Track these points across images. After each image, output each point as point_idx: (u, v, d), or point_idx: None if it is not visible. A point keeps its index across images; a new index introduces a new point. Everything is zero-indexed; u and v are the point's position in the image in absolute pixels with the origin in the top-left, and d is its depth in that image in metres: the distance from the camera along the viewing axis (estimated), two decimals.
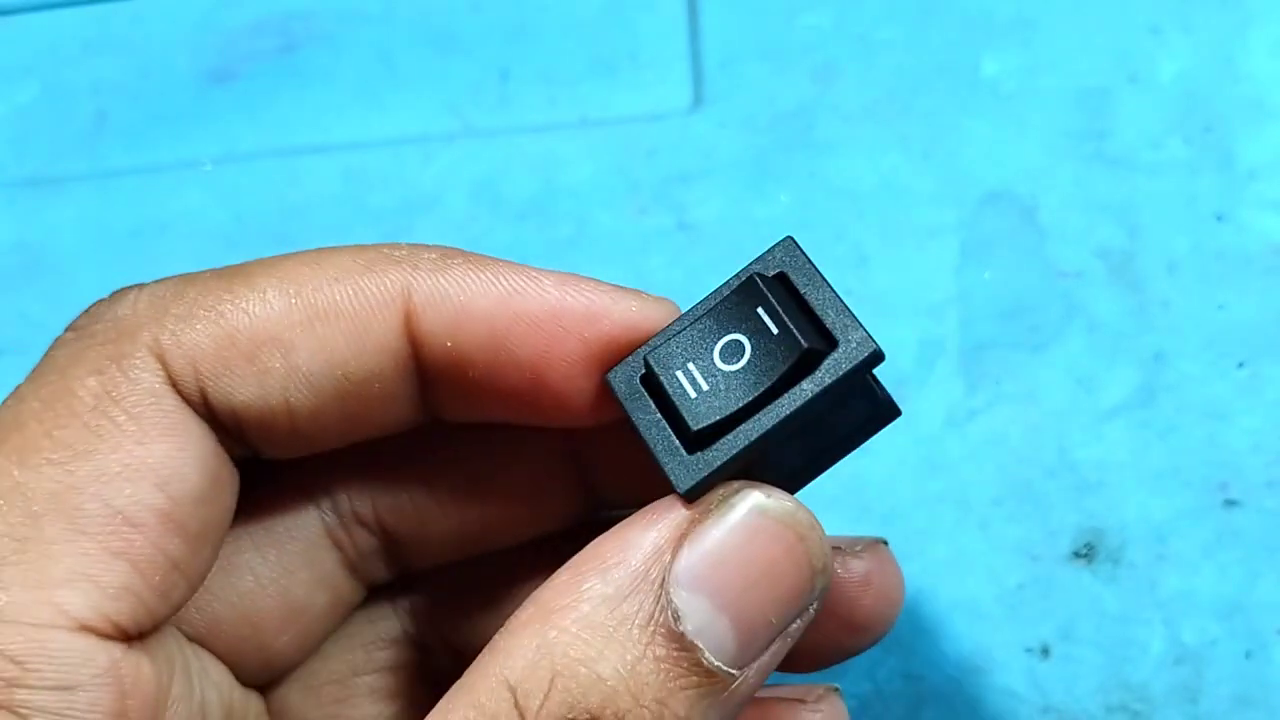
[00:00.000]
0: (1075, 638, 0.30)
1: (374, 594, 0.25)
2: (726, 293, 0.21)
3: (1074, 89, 0.35)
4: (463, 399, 0.21)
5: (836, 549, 0.23)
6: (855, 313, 0.20)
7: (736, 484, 0.19)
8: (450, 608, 0.25)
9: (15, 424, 0.19)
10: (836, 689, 0.25)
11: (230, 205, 0.38)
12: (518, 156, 0.37)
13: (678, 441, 0.20)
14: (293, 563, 0.23)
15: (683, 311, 0.21)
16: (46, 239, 0.39)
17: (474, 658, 0.25)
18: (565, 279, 0.21)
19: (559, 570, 0.19)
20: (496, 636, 0.19)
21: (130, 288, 0.21)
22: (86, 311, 0.21)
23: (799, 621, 0.20)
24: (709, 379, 0.20)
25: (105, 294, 0.39)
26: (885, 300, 0.34)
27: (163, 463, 0.19)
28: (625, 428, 0.20)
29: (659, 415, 0.20)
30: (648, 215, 0.36)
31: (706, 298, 0.21)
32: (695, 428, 0.19)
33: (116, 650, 0.19)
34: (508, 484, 0.24)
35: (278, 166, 0.39)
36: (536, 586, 0.24)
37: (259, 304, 0.20)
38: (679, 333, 0.20)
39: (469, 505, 0.24)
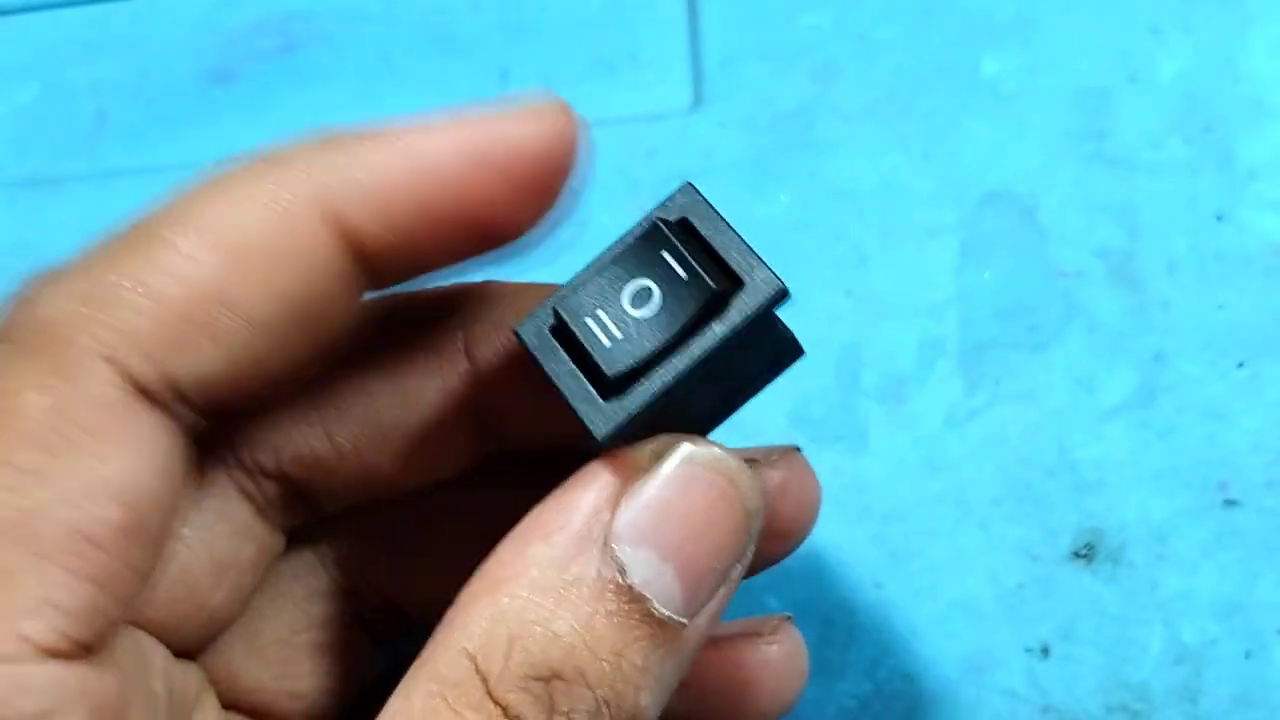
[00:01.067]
0: (1075, 638, 0.30)
1: (299, 548, 0.25)
2: (631, 239, 0.21)
3: (1074, 89, 0.35)
4: (403, 268, 0.21)
5: (753, 461, 0.23)
6: (761, 255, 0.20)
7: (664, 437, 0.20)
8: (372, 553, 0.25)
9: None
10: (789, 617, 0.26)
11: None
12: None
13: (592, 390, 0.20)
14: (210, 519, 0.23)
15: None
16: (46, 239, 0.39)
17: (401, 603, 0.25)
18: (457, 124, 0.20)
19: (501, 542, 0.19)
20: (448, 612, 0.19)
21: (40, 281, 0.20)
22: (7, 318, 0.20)
23: (739, 565, 0.20)
24: (620, 326, 0.20)
25: None
26: (885, 300, 0.34)
27: (122, 475, 0.19)
28: (537, 378, 0.20)
29: (572, 365, 0.20)
30: None
31: (611, 245, 0.21)
32: (610, 374, 0.19)
33: (83, 669, 0.18)
34: (406, 429, 0.23)
35: None
36: (450, 528, 0.25)
37: (187, 264, 0.19)
38: (586, 281, 0.20)
39: (369, 451, 0.23)
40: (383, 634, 0.26)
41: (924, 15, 0.37)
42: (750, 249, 0.20)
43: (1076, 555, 0.31)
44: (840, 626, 0.28)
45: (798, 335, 0.22)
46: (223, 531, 0.23)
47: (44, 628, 0.18)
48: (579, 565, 0.19)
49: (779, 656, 0.25)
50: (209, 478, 0.23)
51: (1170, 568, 0.30)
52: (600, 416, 0.20)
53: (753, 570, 0.24)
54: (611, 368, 0.19)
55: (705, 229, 0.20)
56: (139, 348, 0.19)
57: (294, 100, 0.39)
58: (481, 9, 0.40)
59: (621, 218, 0.38)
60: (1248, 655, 0.29)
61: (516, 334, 0.21)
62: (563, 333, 0.20)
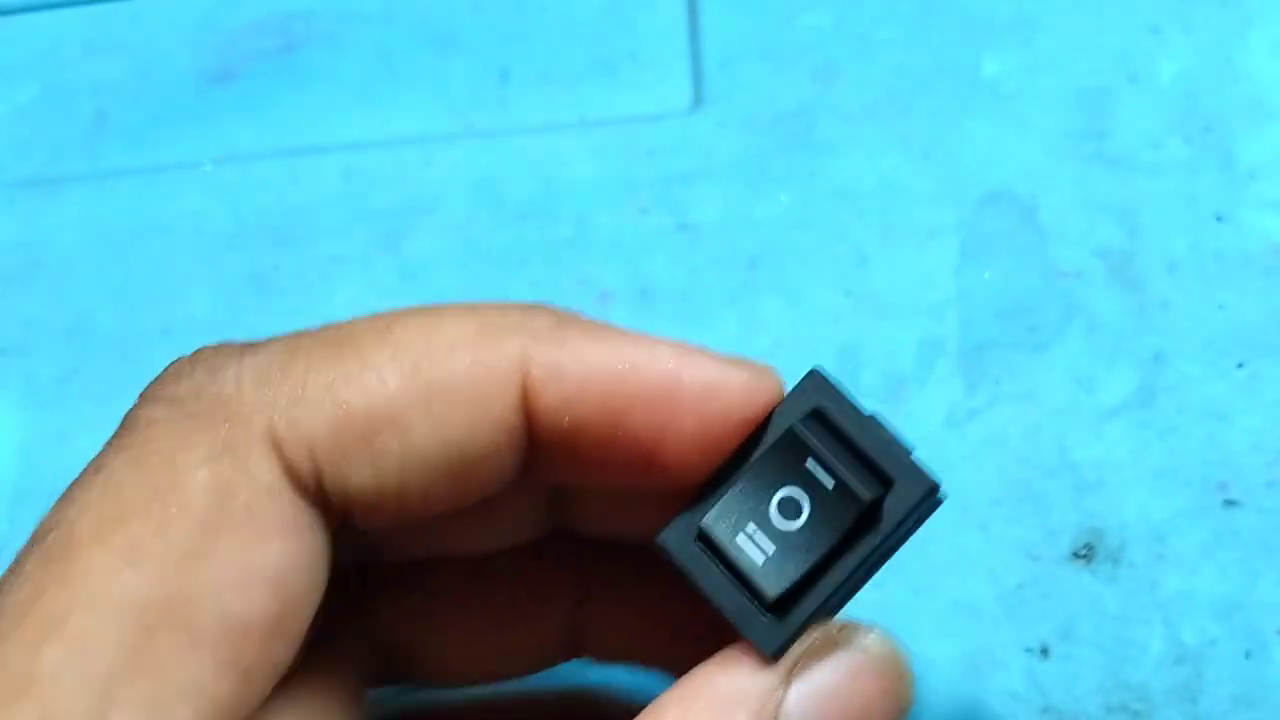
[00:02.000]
0: (1075, 638, 0.30)
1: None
2: (769, 445, 0.21)
3: (1074, 89, 0.35)
4: (568, 467, 0.21)
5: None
6: (903, 441, 0.21)
7: (838, 624, 0.20)
8: (404, 601, 0.25)
9: (119, 517, 0.18)
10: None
11: (230, 205, 0.38)
12: (518, 157, 0.37)
13: (750, 604, 0.20)
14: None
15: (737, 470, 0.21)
16: (46, 239, 0.39)
17: (409, 653, 0.25)
18: (682, 351, 0.21)
19: (665, 708, 0.19)
20: None
21: (225, 355, 0.20)
22: (172, 378, 0.19)
23: None
24: (772, 541, 0.20)
25: (105, 294, 0.39)
26: (885, 300, 0.34)
27: (278, 565, 0.18)
28: (685, 586, 0.21)
29: (725, 578, 0.20)
30: (648, 215, 0.36)
31: (746, 448, 0.21)
32: (772, 596, 0.20)
33: None
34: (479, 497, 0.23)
35: (278, 167, 0.39)
36: (494, 593, 0.24)
37: (375, 381, 0.19)
38: (727, 494, 0.20)
39: (434, 502, 0.22)
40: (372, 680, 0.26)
41: (924, 15, 0.37)
42: (894, 440, 0.21)
43: (1076, 555, 0.31)
44: None
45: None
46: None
47: (191, 715, 0.17)
48: None
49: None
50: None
51: (1170, 568, 0.30)
52: (767, 635, 0.20)
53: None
54: (773, 590, 0.20)
55: (841, 421, 0.21)
56: (308, 444, 0.19)
57: (294, 100, 0.39)
58: (481, 9, 0.40)
59: (621, 218, 0.38)
60: (1248, 655, 0.29)
61: (661, 545, 0.21)
62: (711, 546, 0.20)
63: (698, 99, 0.37)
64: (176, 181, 0.39)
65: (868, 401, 0.34)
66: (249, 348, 0.20)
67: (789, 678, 0.19)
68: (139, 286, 0.38)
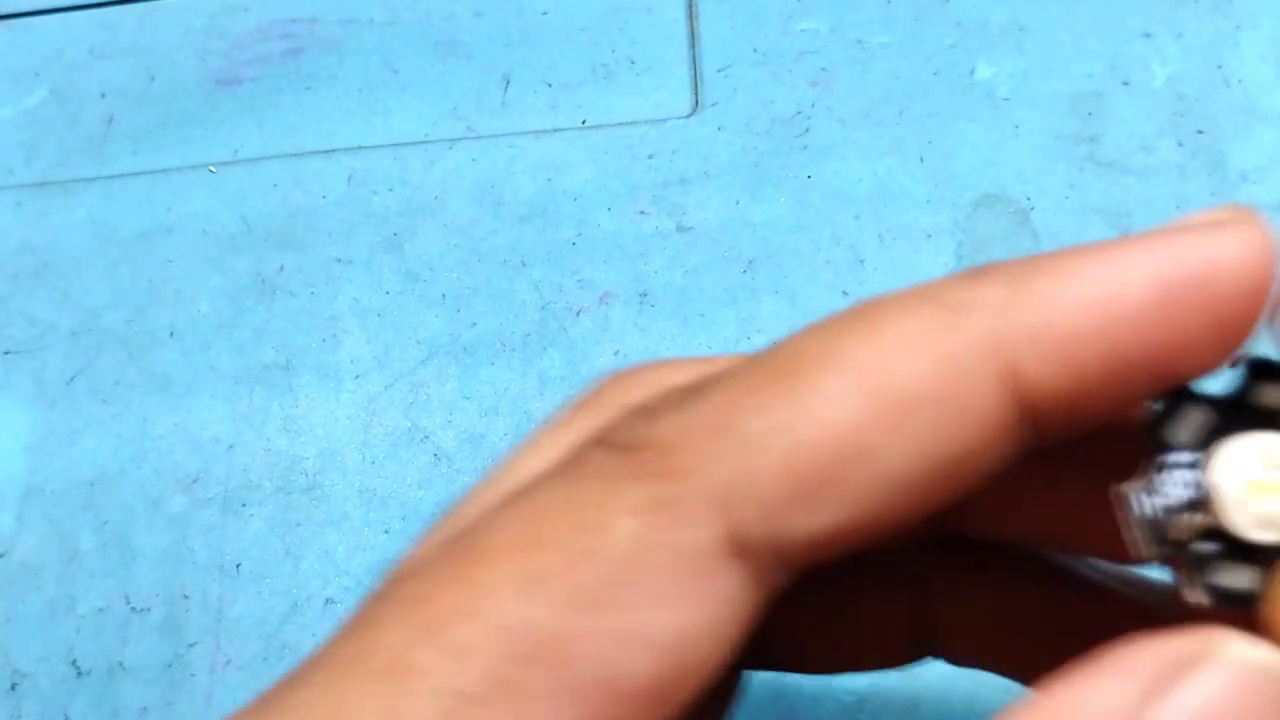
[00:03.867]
0: None
1: None
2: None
3: (1067, 93, 0.36)
4: (1074, 422, 0.18)
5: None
6: None
7: (1214, 633, 0.16)
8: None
9: (534, 539, 0.17)
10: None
11: (236, 207, 0.39)
12: (519, 160, 0.38)
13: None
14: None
15: None
16: (54, 241, 0.39)
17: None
18: (1151, 248, 0.17)
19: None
20: None
21: (666, 400, 0.18)
22: (599, 395, 0.18)
23: None
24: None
25: (113, 295, 0.39)
26: None
27: (677, 632, 0.17)
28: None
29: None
30: (648, 218, 0.36)
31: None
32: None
33: None
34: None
35: (282, 169, 0.39)
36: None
37: (829, 408, 0.17)
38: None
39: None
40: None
41: (919, 21, 0.37)
42: None
43: None
44: None
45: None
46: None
47: None
48: None
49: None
50: None
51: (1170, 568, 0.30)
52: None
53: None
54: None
55: None
56: (755, 496, 0.17)
57: (299, 104, 0.40)
58: (484, 15, 0.40)
59: (621, 221, 0.38)
60: None
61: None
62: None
63: (696, 103, 0.38)
64: (183, 184, 0.39)
65: None
66: (691, 392, 0.18)
67: (1149, 697, 0.16)
68: (146, 287, 0.38)
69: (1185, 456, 0.17)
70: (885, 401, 0.17)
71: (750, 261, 0.35)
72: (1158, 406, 0.17)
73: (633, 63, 0.38)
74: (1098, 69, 0.36)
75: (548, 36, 0.39)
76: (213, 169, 0.39)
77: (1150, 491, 0.17)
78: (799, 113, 0.37)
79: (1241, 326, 0.17)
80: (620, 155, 0.37)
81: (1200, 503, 0.17)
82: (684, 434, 0.17)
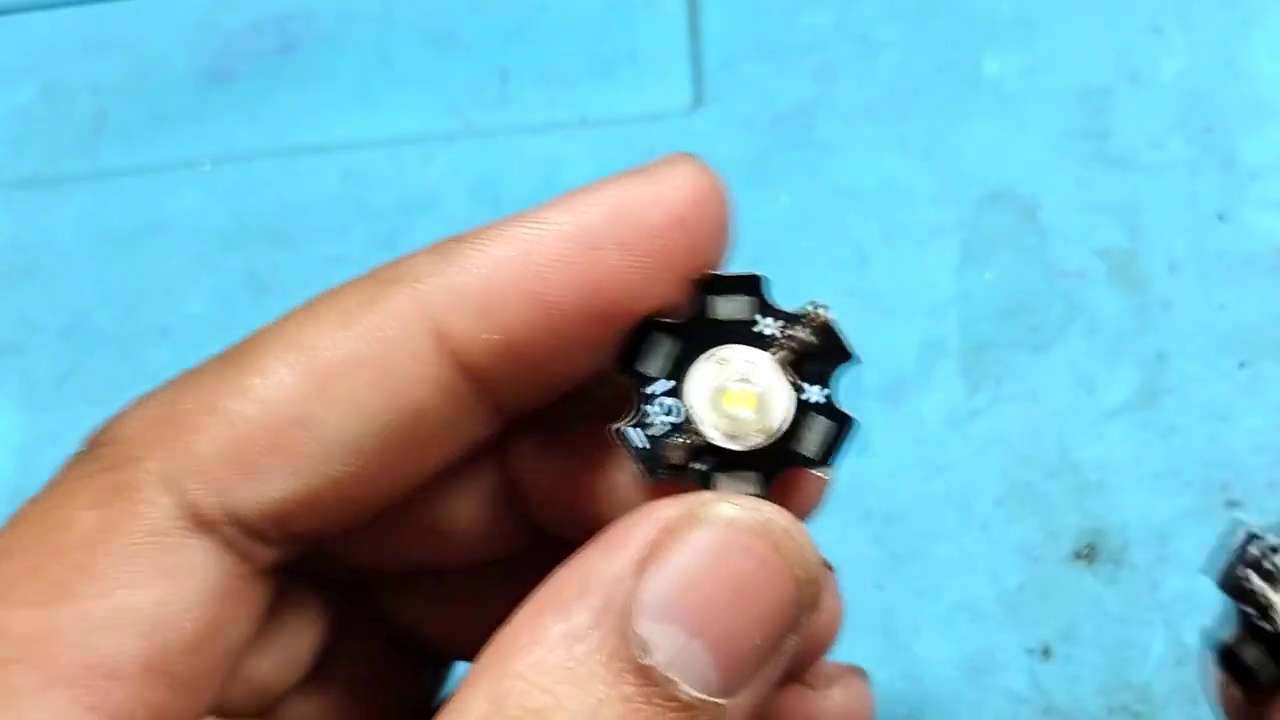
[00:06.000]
0: (1077, 639, 0.30)
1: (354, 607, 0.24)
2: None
3: (1075, 88, 0.35)
4: (534, 380, 0.19)
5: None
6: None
7: (704, 495, 0.18)
8: (427, 611, 0.24)
9: (5, 553, 0.18)
10: (857, 670, 0.23)
11: (229, 205, 0.38)
12: (517, 156, 0.37)
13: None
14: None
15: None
16: (45, 239, 0.39)
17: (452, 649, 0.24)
18: (570, 200, 0.19)
19: (518, 609, 0.17)
20: (457, 687, 0.17)
21: (136, 401, 0.19)
22: (101, 425, 0.19)
23: (791, 636, 0.18)
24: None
25: (103, 294, 0.39)
26: (886, 300, 0.34)
27: (154, 609, 0.18)
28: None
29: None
30: None
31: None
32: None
33: None
34: (449, 519, 0.22)
35: (277, 166, 0.39)
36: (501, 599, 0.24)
37: (268, 386, 0.18)
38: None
39: (415, 540, 0.22)
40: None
41: (925, 15, 0.37)
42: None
43: (1078, 556, 0.31)
44: (841, 628, 0.28)
45: None
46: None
47: None
48: (591, 641, 0.16)
49: (837, 711, 0.22)
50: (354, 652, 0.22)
51: (1172, 569, 0.30)
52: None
53: None
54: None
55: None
56: (204, 474, 0.18)
57: (292, 100, 0.39)
58: (481, 9, 0.40)
59: None
60: None
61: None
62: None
63: (698, 99, 0.37)
64: (175, 181, 0.39)
65: (868, 401, 0.34)
66: (158, 390, 0.19)
67: (645, 564, 0.17)
68: (137, 286, 0.38)
69: (663, 385, 0.19)
70: (316, 372, 0.18)
71: (752, 260, 0.35)
72: (627, 343, 0.19)
73: (633, 57, 0.38)
74: (1106, 64, 0.35)
75: (546, 30, 0.39)
76: (206, 166, 0.39)
77: (639, 424, 0.19)
78: (802, 108, 0.36)
79: (676, 265, 0.19)
80: (620, 151, 0.37)
81: (683, 425, 0.18)
82: (134, 425, 0.18)
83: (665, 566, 0.17)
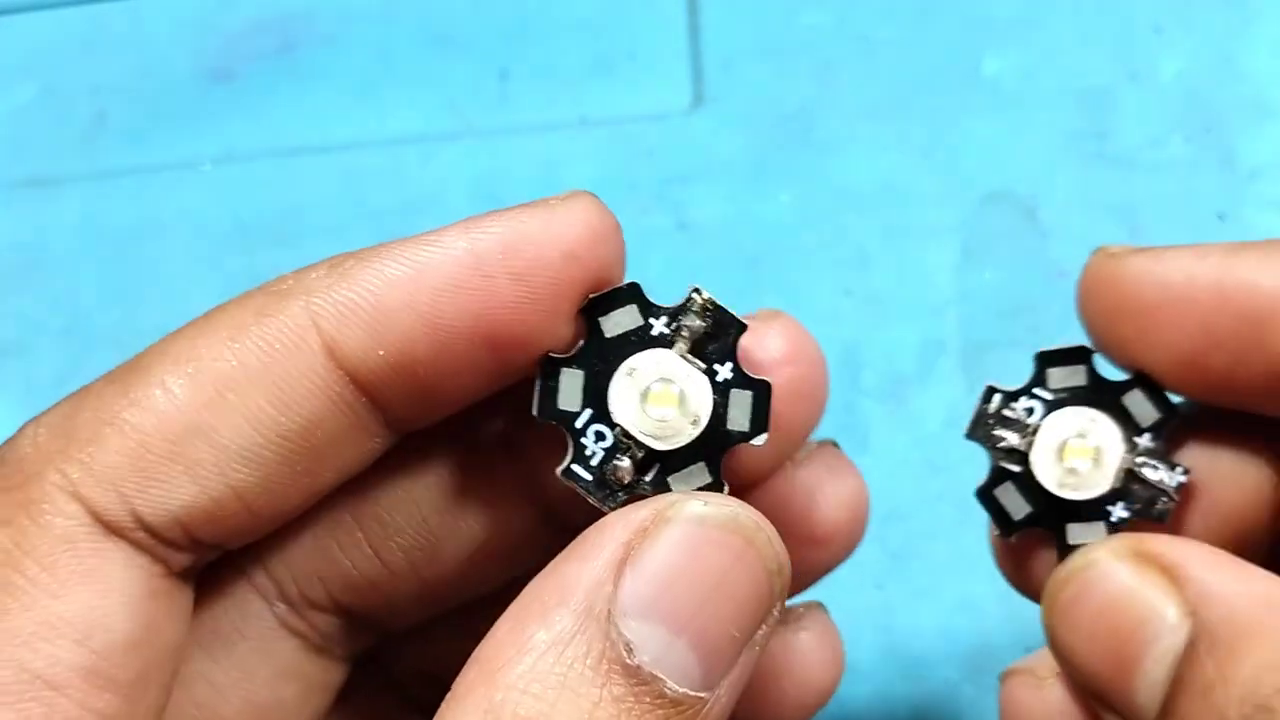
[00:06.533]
0: None
1: (369, 663, 0.24)
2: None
3: (1075, 88, 0.35)
4: (425, 398, 0.20)
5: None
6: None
7: (671, 496, 0.18)
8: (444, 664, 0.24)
9: None
10: (819, 604, 0.24)
11: (229, 205, 0.38)
12: (517, 156, 0.37)
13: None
14: (248, 661, 0.22)
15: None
16: (45, 239, 0.39)
17: None
18: (467, 226, 0.20)
19: (498, 621, 0.18)
20: (443, 706, 0.17)
21: (31, 422, 0.19)
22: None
23: (764, 627, 0.18)
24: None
25: (104, 294, 0.39)
26: (886, 300, 0.34)
27: (83, 615, 0.18)
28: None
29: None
30: (648, 215, 0.36)
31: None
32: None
33: None
34: (464, 533, 0.22)
35: (277, 166, 0.39)
36: None
37: (162, 397, 0.18)
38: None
39: (424, 564, 0.22)
40: None
41: (925, 14, 0.37)
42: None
43: None
44: (841, 628, 0.28)
45: None
46: (263, 675, 0.22)
47: None
48: (578, 646, 0.17)
49: (810, 644, 0.23)
50: (245, 616, 0.22)
51: None
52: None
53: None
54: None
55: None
56: (106, 482, 0.18)
57: (293, 99, 0.39)
58: (481, 9, 0.40)
59: (620, 217, 0.38)
60: None
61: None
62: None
63: (698, 98, 0.37)
64: (175, 181, 0.39)
65: (868, 401, 0.34)
66: (51, 409, 0.19)
67: (622, 567, 0.17)
68: (137, 286, 0.38)
69: (586, 414, 0.19)
70: (209, 383, 0.18)
71: (753, 259, 0.35)
72: (537, 382, 0.20)
73: (633, 57, 0.38)
74: (1106, 63, 0.35)
75: (546, 30, 0.39)
76: (206, 166, 0.39)
77: (579, 459, 0.19)
78: (802, 108, 0.36)
79: (564, 296, 0.19)
80: (620, 151, 0.37)
81: (618, 444, 0.19)
82: (31, 443, 0.18)
83: (643, 567, 0.17)
